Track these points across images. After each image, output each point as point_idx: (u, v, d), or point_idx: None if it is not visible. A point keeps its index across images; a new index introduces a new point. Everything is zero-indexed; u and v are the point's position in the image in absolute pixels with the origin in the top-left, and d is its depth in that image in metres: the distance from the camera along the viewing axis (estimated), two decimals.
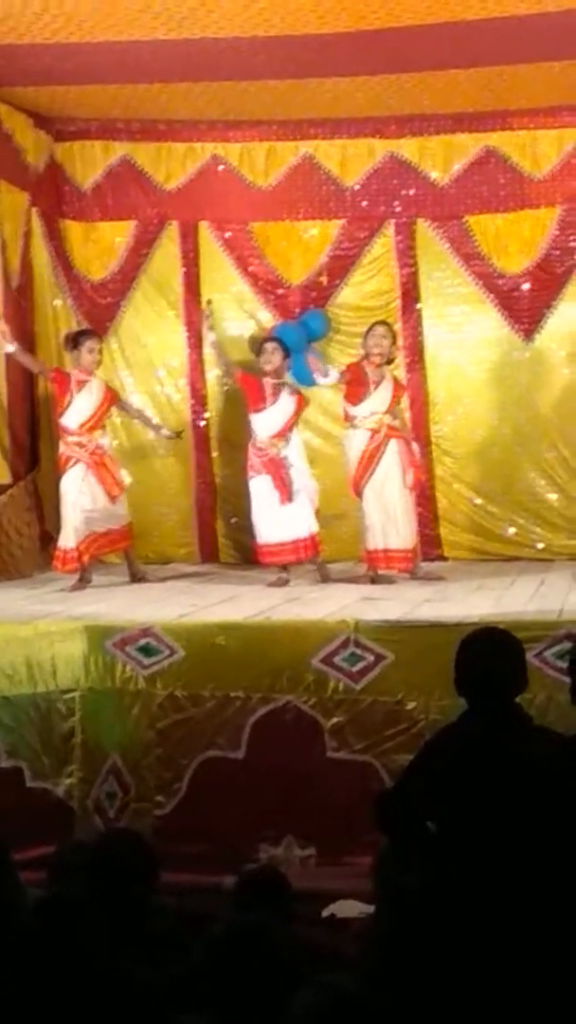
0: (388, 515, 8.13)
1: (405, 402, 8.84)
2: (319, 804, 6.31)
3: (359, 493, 8.20)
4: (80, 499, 8.17)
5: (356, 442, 8.19)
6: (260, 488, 8.25)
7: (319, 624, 6.66)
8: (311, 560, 8.38)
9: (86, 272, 9.65)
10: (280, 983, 2.91)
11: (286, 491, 8.16)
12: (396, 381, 8.42)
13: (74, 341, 8.43)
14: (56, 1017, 2.99)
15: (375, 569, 8.18)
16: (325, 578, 8.24)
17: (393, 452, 8.15)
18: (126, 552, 8.55)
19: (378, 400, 8.18)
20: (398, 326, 9.07)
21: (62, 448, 8.34)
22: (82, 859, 4.28)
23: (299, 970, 2.96)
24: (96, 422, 8.29)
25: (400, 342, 8.80)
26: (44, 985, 3.05)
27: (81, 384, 8.26)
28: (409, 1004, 3.13)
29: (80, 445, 8.21)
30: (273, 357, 8.29)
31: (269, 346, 8.35)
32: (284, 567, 8.31)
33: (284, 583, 8.16)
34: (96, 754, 6.56)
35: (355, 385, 8.20)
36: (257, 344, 8.69)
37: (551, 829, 3.59)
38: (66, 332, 8.98)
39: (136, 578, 8.45)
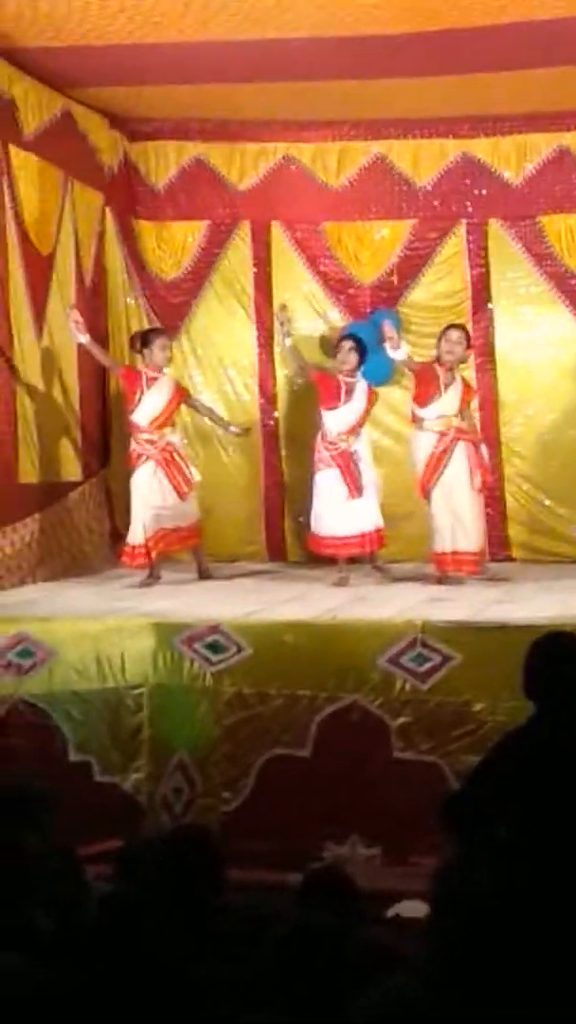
0: (456, 517, 8.10)
1: (475, 403, 8.80)
2: (384, 804, 6.31)
3: (427, 495, 8.17)
4: (150, 496, 8.21)
5: (424, 444, 8.17)
6: (327, 481, 8.25)
7: (386, 624, 6.66)
8: (372, 557, 8.37)
9: (158, 271, 9.72)
10: (343, 985, 2.92)
11: (355, 485, 8.17)
12: (466, 383, 8.38)
13: (143, 339, 8.49)
14: (118, 1013, 3.03)
15: (444, 572, 8.17)
16: (384, 579, 8.22)
17: (461, 455, 8.12)
18: (195, 549, 8.58)
19: (446, 403, 8.15)
20: (469, 326, 9.05)
21: (133, 445, 8.39)
22: (150, 854, 4.32)
23: (362, 972, 2.97)
24: (166, 419, 8.33)
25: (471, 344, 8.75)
26: (108, 981, 3.09)
27: (152, 381, 8.31)
28: (471, 1010, 3.12)
29: (150, 442, 8.26)
30: (350, 356, 8.29)
31: (346, 345, 8.34)
32: (346, 563, 8.29)
33: (345, 582, 8.15)
34: (163, 750, 6.61)
35: (424, 386, 8.19)
36: (333, 343, 8.65)
37: None
38: (133, 333, 9.03)
39: (203, 575, 8.48)
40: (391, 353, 8.28)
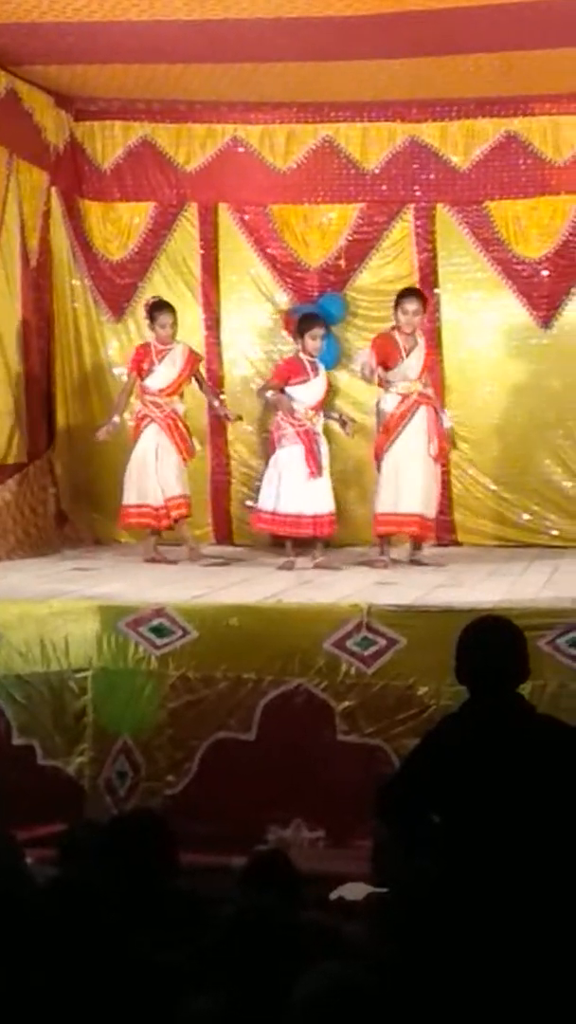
0: (407, 480, 8.11)
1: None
2: (329, 787, 6.33)
3: (379, 458, 8.20)
4: (148, 458, 8.36)
5: (387, 406, 8.20)
6: (290, 458, 8.21)
7: (332, 608, 6.67)
8: (319, 548, 8.31)
9: (105, 252, 9.65)
10: (286, 967, 2.93)
11: (317, 464, 8.17)
12: (429, 349, 8.44)
13: (149, 315, 8.58)
14: (62, 996, 3.01)
15: (381, 535, 8.21)
16: (324, 566, 8.14)
17: (421, 420, 8.15)
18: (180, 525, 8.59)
19: (408, 367, 8.18)
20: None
21: (138, 407, 8.52)
22: (93, 838, 4.31)
23: (305, 954, 2.97)
24: (175, 389, 8.48)
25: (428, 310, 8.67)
26: (54, 966, 3.07)
27: (162, 354, 8.46)
28: (412, 991, 3.14)
29: (156, 405, 8.40)
30: (317, 341, 8.31)
31: (319, 332, 8.35)
32: (294, 548, 8.28)
33: (291, 566, 8.13)
34: (107, 733, 6.58)
35: (386, 353, 8.21)
36: (300, 324, 8.52)
37: (553, 818, 3.59)
38: (147, 300, 8.88)
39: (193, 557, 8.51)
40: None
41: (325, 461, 8.26)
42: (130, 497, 8.47)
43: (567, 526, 9.28)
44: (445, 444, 8.37)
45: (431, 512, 8.31)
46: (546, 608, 6.47)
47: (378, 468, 8.23)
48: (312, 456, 8.16)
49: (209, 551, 8.99)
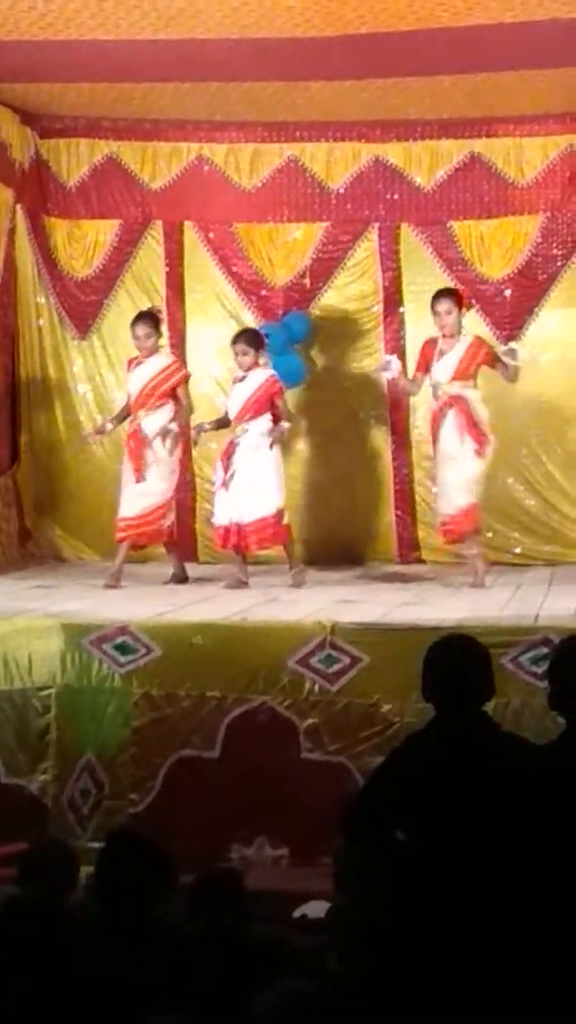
0: (439, 483, 8.16)
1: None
2: (293, 805, 6.32)
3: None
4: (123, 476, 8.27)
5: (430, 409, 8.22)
6: (216, 472, 8.21)
7: (295, 625, 6.67)
8: (291, 563, 8.24)
9: (70, 270, 9.65)
10: (240, 984, 2.93)
11: (227, 469, 8.02)
12: (469, 348, 8.08)
13: (132, 325, 8.44)
14: (23, 1014, 3.00)
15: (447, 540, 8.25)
16: (234, 585, 8.03)
17: (452, 422, 8.01)
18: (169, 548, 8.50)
19: (438, 370, 8.08)
20: (379, 330, 9.10)
21: None
22: (54, 857, 4.29)
23: (263, 971, 2.97)
24: (142, 403, 8.24)
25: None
26: (11, 986, 3.06)
27: (133, 364, 8.37)
28: (368, 1007, 3.14)
29: (132, 422, 8.28)
30: (243, 360, 8.17)
31: (238, 348, 8.20)
32: (242, 563, 8.14)
33: (239, 585, 8.03)
34: (71, 751, 6.56)
35: (424, 357, 8.21)
36: (234, 338, 8.42)
37: (517, 837, 3.60)
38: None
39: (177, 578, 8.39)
40: (387, 374, 8.40)
41: (261, 465, 8.02)
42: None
43: (530, 544, 9.33)
44: (483, 436, 8.05)
45: (454, 509, 8.09)
46: (509, 626, 6.49)
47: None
48: (223, 463, 8.07)
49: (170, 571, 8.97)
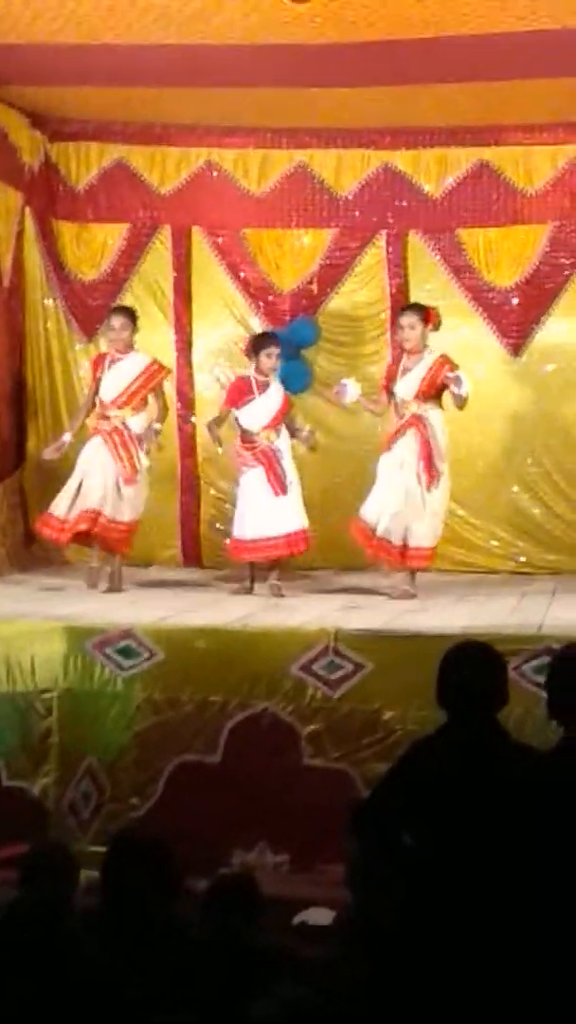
0: (381, 503, 7.85)
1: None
2: (294, 811, 6.32)
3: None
4: (78, 470, 7.99)
5: (387, 427, 8.05)
6: (251, 481, 8.04)
7: (299, 631, 6.68)
8: (275, 571, 8.14)
9: (77, 273, 9.66)
10: (245, 993, 2.93)
11: (280, 482, 7.96)
12: (432, 367, 7.93)
13: (253, 347, 8.28)
14: (27, 1017, 3.00)
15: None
16: (275, 589, 7.97)
17: (411, 442, 7.86)
18: (117, 555, 8.19)
19: (402, 387, 7.96)
20: (386, 337, 9.10)
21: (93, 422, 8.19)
22: (54, 860, 4.29)
23: (264, 977, 2.98)
24: (126, 401, 8.09)
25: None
26: (14, 988, 3.06)
27: (116, 362, 8.18)
28: (372, 1014, 3.14)
29: (104, 418, 8.07)
30: (272, 360, 8.12)
31: (269, 349, 8.15)
32: (252, 578, 8.11)
33: (248, 591, 8.02)
34: (72, 755, 6.56)
35: (388, 377, 8.10)
36: (254, 343, 8.38)
37: (528, 845, 3.60)
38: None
39: (112, 588, 8.09)
40: (345, 399, 8.18)
41: (292, 477, 8.05)
42: (51, 506, 8.08)
43: (535, 552, 9.33)
44: (434, 471, 7.87)
45: (399, 539, 7.89)
46: (512, 635, 6.48)
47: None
48: (273, 474, 7.96)
49: (176, 575, 8.98)
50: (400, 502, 7.81)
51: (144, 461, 8.14)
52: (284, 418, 8.17)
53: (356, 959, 3.57)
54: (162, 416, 8.36)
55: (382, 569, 8.28)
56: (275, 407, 8.14)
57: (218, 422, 8.28)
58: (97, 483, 7.96)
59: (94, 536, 8.09)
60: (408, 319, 8.04)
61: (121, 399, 8.11)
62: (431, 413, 7.94)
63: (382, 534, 7.83)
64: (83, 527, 7.96)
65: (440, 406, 8.02)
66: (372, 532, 7.85)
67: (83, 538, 8.17)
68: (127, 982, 3.16)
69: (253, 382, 8.17)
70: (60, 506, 8.00)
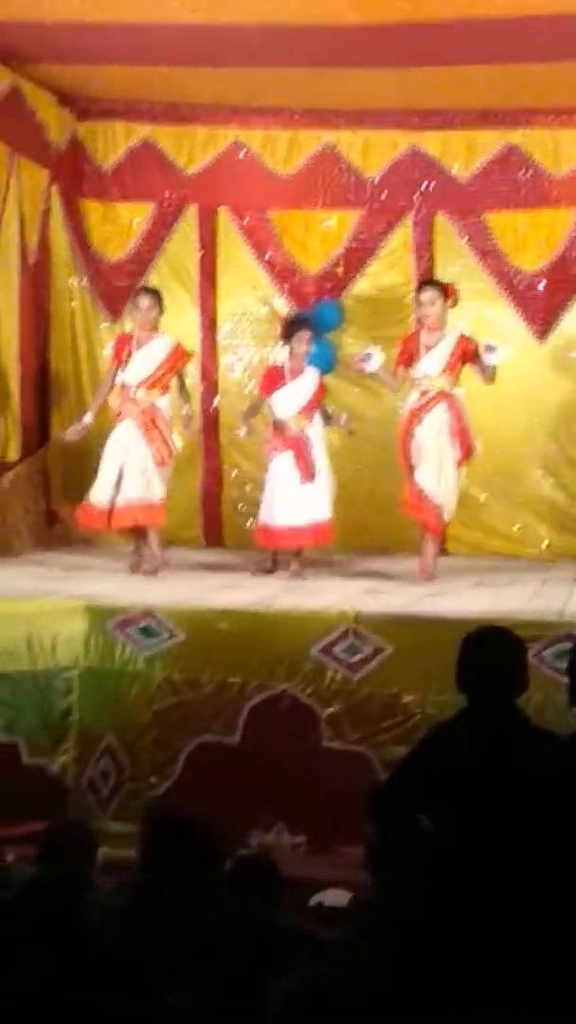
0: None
1: None
2: (312, 793, 6.33)
3: (406, 460, 7.85)
4: (113, 456, 7.96)
5: (407, 404, 7.96)
6: (280, 467, 8.00)
7: (319, 614, 6.68)
8: (297, 557, 8.10)
9: (103, 253, 9.65)
10: (264, 971, 2.94)
11: (308, 469, 7.92)
12: (458, 343, 7.92)
13: (135, 297, 8.30)
14: (44, 992, 3.02)
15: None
16: (296, 575, 7.94)
17: (436, 417, 7.80)
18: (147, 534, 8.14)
19: (426, 363, 7.88)
20: (411, 320, 9.07)
21: (116, 403, 8.10)
22: (72, 838, 4.31)
23: (283, 958, 2.98)
24: (154, 382, 8.02)
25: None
26: (32, 962, 3.08)
27: (142, 343, 8.10)
28: (389, 996, 3.14)
29: (132, 400, 7.97)
30: (304, 346, 8.09)
31: (301, 334, 8.12)
32: (274, 559, 8.11)
33: (268, 572, 8.02)
34: (92, 733, 6.59)
35: (406, 351, 8.01)
36: (286, 329, 8.37)
37: (547, 830, 3.60)
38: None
39: (137, 568, 8.04)
40: (368, 367, 8.05)
41: (322, 466, 8.02)
42: (89, 494, 8.06)
43: (557, 538, 9.29)
44: (469, 444, 7.91)
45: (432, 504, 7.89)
46: (532, 620, 6.47)
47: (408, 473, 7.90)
48: (302, 460, 7.93)
49: (198, 556, 8.97)
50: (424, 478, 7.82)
51: (178, 442, 8.14)
52: (317, 405, 8.14)
53: (374, 941, 3.58)
54: (187, 399, 8.35)
55: (400, 554, 8.27)
56: (307, 393, 8.11)
57: (252, 411, 8.29)
58: (137, 470, 7.92)
59: (136, 527, 8.11)
60: (429, 295, 7.99)
61: (149, 381, 8.06)
62: (456, 390, 7.94)
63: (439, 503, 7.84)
64: (128, 524, 8.03)
65: (459, 384, 8.00)
66: (431, 502, 7.83)
67: (126, 530, 8.20)
68: (146, 957, 3.17)
69: (285, 369, 8.16)
70: (100, 495, 7.96)
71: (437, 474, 7.82)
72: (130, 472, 7.92)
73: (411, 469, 7.87)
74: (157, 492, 8.03)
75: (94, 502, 8.00)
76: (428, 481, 7.83)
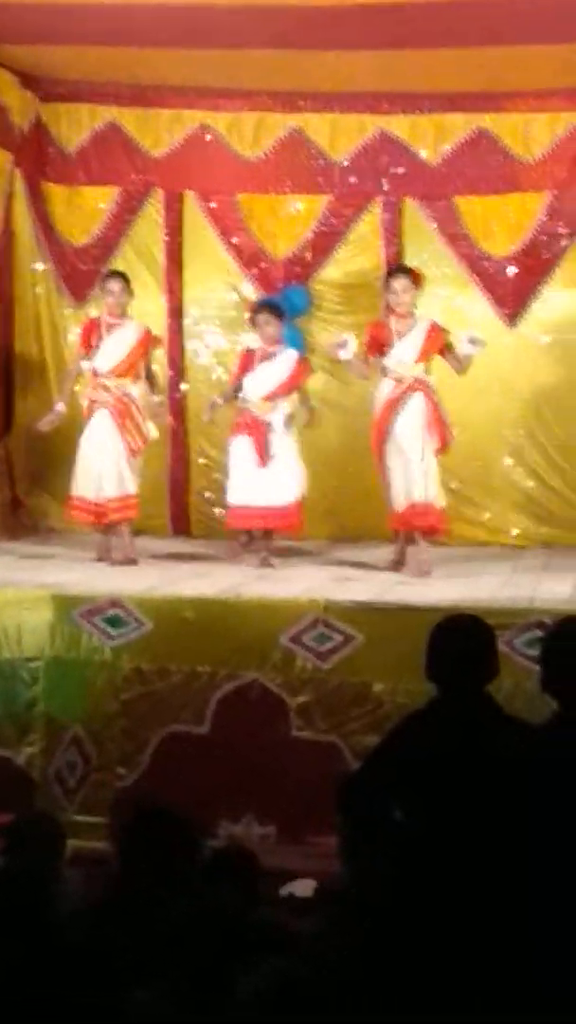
0: (407, 470, 7.65)
1: None
2: (281, 782, 6.31)
3: (379, 451, 7.73)
4: (90, 448, 7.88)
5: (380, 393, 7.78)
6: (237, 448, 7.90)
7: (289, 602, 6.64)
8: (268, 542, 7.99)
9: (68, 237, 9.54)
10: (235, 963, 2.90)
11: (263, 454, 7.78)
12: (430, 331, 7.81)
13: (101, 287, 8.23)
14: (8, 985, 2.98)
15: (406, 529, 7.76)
16: (265, 563, 7.82)
17: (417, 406, 7.68)
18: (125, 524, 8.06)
19: (400, 351, 7.75)
20: (380, 305, 8.99)
21: (87, 391, 8.02)
22: (40, 830, 4.26)
23: (253, 950, 2.95)
24: (125, 370, 7.92)
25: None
26: (3, 954, 3.04)
27: (112, 329, 8.00)
28: (360, 987, 3.10)
29: (105, 388, 7.86)
30: (267, 329, 7.99)
31: (260, 318, 8.03)
32: (248, 537, 8.05)
33: (236, 555, 7.94)
34: (58, 724, 6.54)
35: (374, 340, 7.87)
36: (252, 313, 8.25)
37: (519, 818, 3.57)
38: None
39: (117, 559, 7.91)
40: (343, 354, 7.84)
41: (286, 451, 7.88)
42: (75, 487, 7.97)
43: (528, 526, 9.27)
44: (447, 434, 7.83)
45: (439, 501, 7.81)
46: (503, 608, 6.45)
47: (380, 460, 7.78)
48: (260, 446, 7.80)
49: (165, 544, 8.89)
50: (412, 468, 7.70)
51: (154, 432, 8.07)
52: (291, 390, 8.00)
53: (345, 931, 3.54)
54: (158, 386, 8.27)
55: (371, 542, 8.22)
56: (277, 378, 7.99)
57: (224, 397, 8.18)
58: (112, 465, 7.85)
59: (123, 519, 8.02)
60: (401, 282, 7.86)
61: (120, 368, 7.96)
62: (430, 377, 7.84)
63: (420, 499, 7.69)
64: (116, 516, 7.92)
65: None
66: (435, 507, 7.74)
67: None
68: (114, 949, 3.13)
69: (256, 353, 8.05)
70: (87, 488, 7.89)
71: (424, 480, 7.68)
72: (108, 468, 7.86)
73: (385, 469, 7.74)
74: (131, 486, 7.97)
75: (84, 496, 7.93)
76: (417, 488, 7.65)
